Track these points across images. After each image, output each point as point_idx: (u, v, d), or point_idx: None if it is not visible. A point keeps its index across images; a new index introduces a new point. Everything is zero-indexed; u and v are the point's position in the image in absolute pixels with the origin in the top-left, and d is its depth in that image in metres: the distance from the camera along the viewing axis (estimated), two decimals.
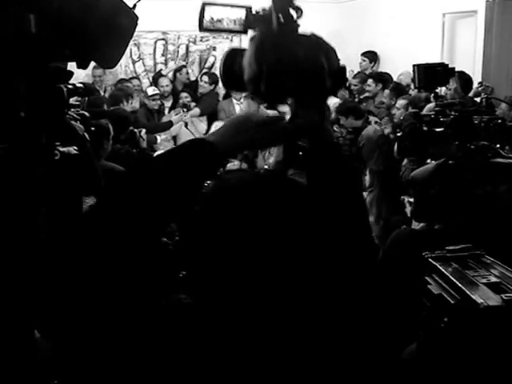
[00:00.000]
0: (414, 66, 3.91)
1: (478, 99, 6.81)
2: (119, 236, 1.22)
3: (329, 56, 1.43)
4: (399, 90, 7.76)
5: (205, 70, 10.22)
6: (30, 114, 1.34)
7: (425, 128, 3.72)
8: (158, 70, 10.05)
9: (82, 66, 1.53)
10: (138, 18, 1.54)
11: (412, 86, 7.69)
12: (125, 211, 1.23)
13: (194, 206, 1.30)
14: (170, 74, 9.62)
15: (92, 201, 2.05)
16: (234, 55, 1.46)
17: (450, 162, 3.14)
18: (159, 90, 8.90)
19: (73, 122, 1.84)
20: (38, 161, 1.32)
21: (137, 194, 1.26)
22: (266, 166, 7.34)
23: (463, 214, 2.82)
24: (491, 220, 2.74)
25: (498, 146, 3.59)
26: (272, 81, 1.35)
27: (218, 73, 9.90)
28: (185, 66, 9.94)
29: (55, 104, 1.46)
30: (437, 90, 4.08)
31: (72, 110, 1.97)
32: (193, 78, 9.84)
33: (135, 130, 5.47)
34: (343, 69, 1.51)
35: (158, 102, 8.61)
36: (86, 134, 1.92)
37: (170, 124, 8.25)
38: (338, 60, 1.48)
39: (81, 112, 2.01)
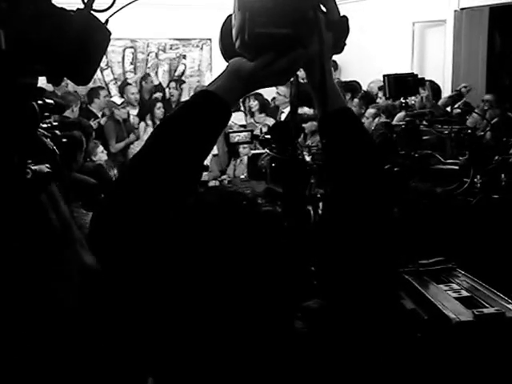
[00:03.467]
0: (384, 76, 3.94)
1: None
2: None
3: (326, 6, 1.37)
4: (369, 98, 7.78)
5: (175, 78, 10.16)
6: (1, 133, 1.32)
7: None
8: (127, 78, 9.95)
9: (54, 81, 1.52)
10: (110, 33, 1.53)
11: (380, 94, 7.72)
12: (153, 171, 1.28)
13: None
14: (137, 83, 9.54)
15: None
16: (230, 22, 1.40)
17: (396, 169, 3.26)
18: (128, 97, 8.78)
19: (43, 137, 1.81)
20: (10, 181, 1.30)
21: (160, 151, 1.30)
22: (242, 176, 7.34)
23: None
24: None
25: (473, 152, 3.68)
26: (253, 27, 1.29)
27: (186, 80, 9.94)
28: (149, 75, 9.82)
29: (27, 121, 1.44)
30: (406, 100, 4.12)
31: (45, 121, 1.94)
32: (156, 82, 9.78)
33: None
34: (345, 18, 1.43)
35: (126, 109, 8.44)
36: (55, 148, 1.89)
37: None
38: (338, 10, 1.41)
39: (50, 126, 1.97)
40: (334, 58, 1.57)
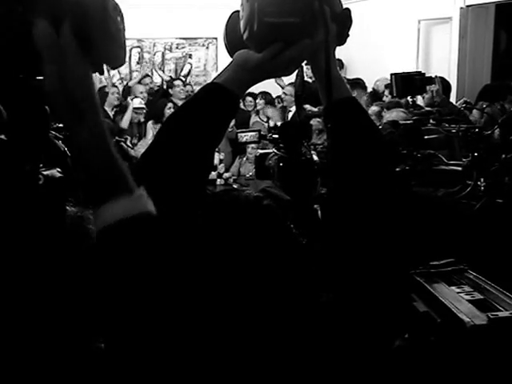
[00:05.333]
0: (391, 74, 3.92)
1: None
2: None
3: None
4: (377, 97, 7.77)
5: (180, 77, 10.12)
6: (13, 137, 1.31)
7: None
8: (133, 78, 9.89)
9: None
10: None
11: (386, 92, 7.71)
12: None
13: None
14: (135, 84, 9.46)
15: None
16: (235, 17, 1.43)
17: (397, 169, 3.26)
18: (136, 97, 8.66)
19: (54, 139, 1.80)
20: (22, 189, 1.29)
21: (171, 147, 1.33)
22: (247, 175, 7.32)
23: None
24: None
25: (476, 154, 3.65)
26: (262, 17, 1.31)
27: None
28: (148, 75, 9.71)
29: (40, 125, 1.43)
30: (414, 99, 4.11)
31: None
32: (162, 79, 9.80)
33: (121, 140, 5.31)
34: (347, 10, 1.45)
35: (142, 114, 8.21)
36: (66, 149, 1.88)
37: None
38: (341, 3, 1.45)
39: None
40: (339, 56, 1.59)
